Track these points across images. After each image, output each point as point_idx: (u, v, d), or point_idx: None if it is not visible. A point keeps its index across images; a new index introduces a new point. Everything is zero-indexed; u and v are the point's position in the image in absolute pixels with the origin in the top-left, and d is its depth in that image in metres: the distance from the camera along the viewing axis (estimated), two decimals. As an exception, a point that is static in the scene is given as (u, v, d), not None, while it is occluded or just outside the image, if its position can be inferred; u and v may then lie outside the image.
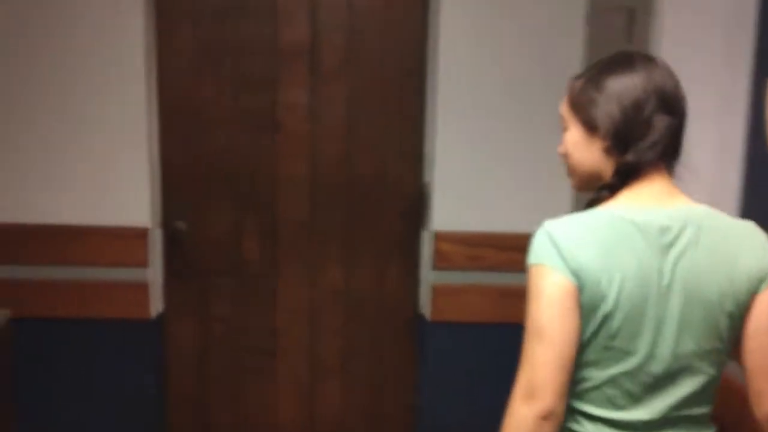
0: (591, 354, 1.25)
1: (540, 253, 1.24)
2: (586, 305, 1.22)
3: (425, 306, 2.75)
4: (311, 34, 2.65)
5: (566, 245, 1.22)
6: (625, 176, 1.28)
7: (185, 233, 2.69)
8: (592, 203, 1.32)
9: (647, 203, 1.26)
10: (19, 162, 2.54)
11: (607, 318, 1.22)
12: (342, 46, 2.66)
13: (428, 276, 2.71)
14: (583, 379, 1.27)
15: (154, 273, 2.64)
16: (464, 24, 2.58)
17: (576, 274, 1.21)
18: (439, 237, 2.66)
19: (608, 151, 1.29)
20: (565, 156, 1.37)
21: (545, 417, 1.19)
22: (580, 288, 1.21)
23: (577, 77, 1.35)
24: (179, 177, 2.68)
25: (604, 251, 1.22)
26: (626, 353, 1.24)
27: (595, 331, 1.23)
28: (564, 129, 1.37)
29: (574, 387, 1.26)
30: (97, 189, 2.57)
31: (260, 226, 2.73)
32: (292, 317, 2.79)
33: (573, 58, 2.53)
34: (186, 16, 2.61)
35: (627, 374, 1.25)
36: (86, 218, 2.58)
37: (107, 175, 2.56)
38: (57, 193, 2.57)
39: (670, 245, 1.23)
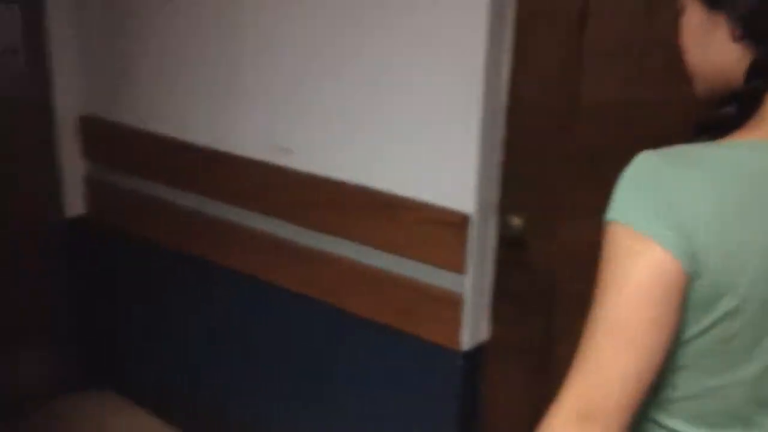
0: (691, 357, 0.86)
1: (633, 210, 0.81)
2: (701, 298, 0.82)
3: None
4: None
5: (680, 203, 0.79)
6: (765, 82, 0.83)
7: (522, 232, 1.80)
8: (707, 127, 0.87)
9: None
10: (325, 113, 1.98)
11: (728, 315, 0.82)
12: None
13: None
14: (672, 386, 0.89)
15: (473, 285, 1.81)
16: None
17: (691, 255, 0.79)
18: None
19: (739, 39, 0.85)
20: (681, 50, 0.94)
21: None
22: (695, 275, 0.80)
23: None
24: (527, 153, 1.80)
25: (740, 217, 0.79)
26: (742, 360, 0.86)
27: (705, 329, 0.84)
28: (679, 10, 0.93)
29: (655, 393, 0.89)
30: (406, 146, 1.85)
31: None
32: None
33: None
34: None
35: (736, 386, 0.87)
36: (377, 181, 1.90)
37: (424, 132, 1.82)
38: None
39: None
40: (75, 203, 2.73)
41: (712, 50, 0.90)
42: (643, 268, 0.80)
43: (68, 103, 2.62)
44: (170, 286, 2.53)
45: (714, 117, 0.88)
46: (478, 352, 1.86)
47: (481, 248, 1.78)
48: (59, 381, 2.88)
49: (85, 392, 2.89)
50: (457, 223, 1.75)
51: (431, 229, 1.79)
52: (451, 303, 1.80)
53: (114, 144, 2.60)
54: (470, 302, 1.79)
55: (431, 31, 1.72)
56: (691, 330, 0.85)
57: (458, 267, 1.78)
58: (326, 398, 2.16)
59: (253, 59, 2.09)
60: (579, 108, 1.67)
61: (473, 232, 1.75)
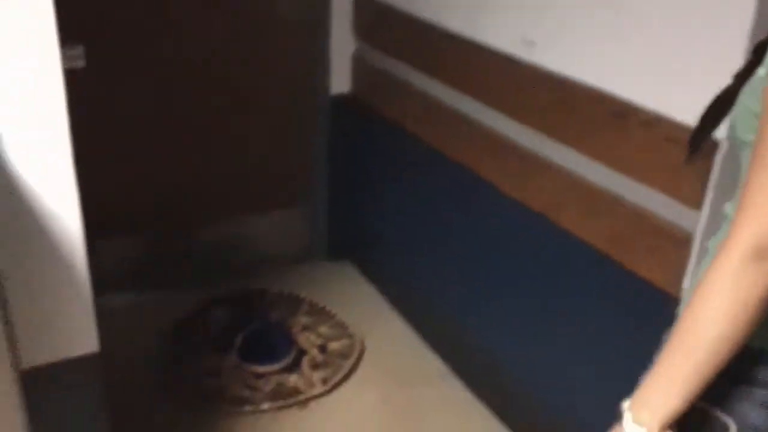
0: None
1: None
2: None
3: None
4: None
5: None
6: None
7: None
8: None
9: None
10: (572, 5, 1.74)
11: None
12: None
13: None
14: None
15: (707, 225, 1.51)
16: None
17: None
18: None
19: None
20: None
21: None
22: None
23: None
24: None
25: None
26: None
27: None
28: None
29: None
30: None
31: None
32: None
33: None
34: None
35: None
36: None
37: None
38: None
39: None
40: (341, 81, 2.82)
41: None
42: None
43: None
44: (412, 172, 2.53)
45: None
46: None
47: (723, 182, 1.48)
48: (305, 247, 3.09)
49: (327, 261, 3.07)
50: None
51: (669, 150, 1.52)
52: (678, 241, 1.54)
53: (381, 25, 2.60)
54: (700, 244, 1.52)
55: None
56: None
57: (693, 200, 1.50)
58: (526, 307, 2.05)
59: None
60: None
61: (718, 162, 1.45)
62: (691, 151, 1.15)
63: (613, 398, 1.04)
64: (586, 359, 1.88)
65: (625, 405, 1.01)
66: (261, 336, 2.52)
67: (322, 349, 2.54)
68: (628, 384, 1.02)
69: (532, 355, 2.10)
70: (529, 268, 2.03)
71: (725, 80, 1.34)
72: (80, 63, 1.72)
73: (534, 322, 2.06)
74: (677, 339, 0.96)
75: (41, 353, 1.57)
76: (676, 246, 1.55)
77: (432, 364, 2.53)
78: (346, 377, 2.44)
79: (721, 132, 1.40)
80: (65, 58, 1.38)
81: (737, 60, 1.39)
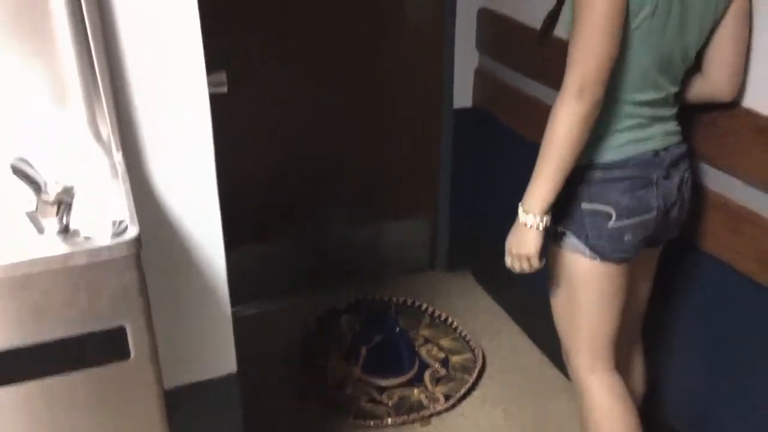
0: (631, 41, 1.45)
1: None
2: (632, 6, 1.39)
3: None
4: None
5: None
6: None
7: None
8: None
9: None
10: None
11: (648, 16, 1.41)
12: None
13: None
14: (619, 69, 1.45)
15: None
16: None
17: None
18: None
19: None
20: None
21: (596, 106, 1.40)
22: None
23: None
24: None
25: None
26: (656, 45, 1.47)
27: (637, 25, 1.42)
28: None
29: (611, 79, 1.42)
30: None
31: None
32: None
33: None
34: None
35: (652, 62, 1.48)
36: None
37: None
38: None
39: None
40: (464, 94, 2.82)
41: None
42: None
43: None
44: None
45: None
46: None
47: None
48: (427, 257, 3.13)
49: (448, 272, 3.10)
50: None
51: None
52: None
53: (503, 39, 2.59)
54: None
55: None
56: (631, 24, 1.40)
57: None
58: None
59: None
60: None
61: None
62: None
63: None
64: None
65: (519, 205, 1.51)
66: (385, 348, 2.57)
67: (445, 363, 2.57)
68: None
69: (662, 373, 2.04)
70: (678, 299, 1.96)
71: None
72: (223, 89, 1.80)
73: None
74: (542, 152, 1.46)
75: (185, 373, 1.66)
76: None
77: (555, 379, 2.51)
78: (468, 392, 2.45)
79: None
80: (210, 84, 1.46)
81: None
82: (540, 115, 2.40)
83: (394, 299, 2.87)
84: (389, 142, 2.90)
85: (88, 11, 1.21)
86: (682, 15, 1.44)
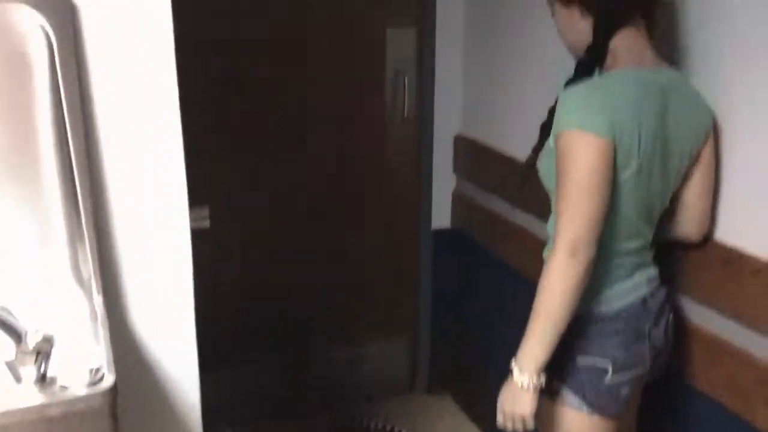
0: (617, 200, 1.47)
1: (585, 118, 1.38)
2: (619, 161, 1.40)
3: None
4: None
5: (608, 107, 1.39)
6: (604, 38, 1.49)
7: None
8: (578, 70, 1.53)
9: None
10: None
11: (634, 173, 1.44)
12: None
13: None
14: (608, 224, 1.45)
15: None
16: None
17: (615, 134, 1.38)
18: None
19: (585, 16, 1.52)
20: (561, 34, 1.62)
21: (589, 265, 1.38)
22: (618, 145, 1.38)
23: None
24: None
25: (634, 109, 1.41)
26: (640, 197, 1.50)
27: (625, 180, 1.43)
28: (552, 13, 1.62)
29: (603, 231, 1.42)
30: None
31: None
32: None
33: None
34: None
35: (638, 213, 1.52)
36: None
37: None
38: None
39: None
40: (442, 215, 2.87)
41: (575, 28, 1.55)
42: (594, 150, 1.37)
43: (446, 122, 2.76)
44: (516, 307, 2.49)
45: (581, 63, 1.53)
46: None
47: None
48: (406, 379, 3.08)
49: (428, 395, 3.05)
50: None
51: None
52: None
53: (478, 163, 2.66)
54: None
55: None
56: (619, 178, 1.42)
57: None
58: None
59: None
60: None
61: None
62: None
63: None
64: None
65: (512, 363, 1.49)
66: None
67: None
68: None
69: None
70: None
71: None
72: (206, 224, 1.81)
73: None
74: (536, 308, 1.43)
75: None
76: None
77: None
78: None
79: None
80: (192, 218, 1.46)
81: None
82: (516, 238, 2.48)
83: (372, 425, 2.80)
84: (370, 264, 2.92)
85: (76, 153, 1.24)
86: (663, 168, 1.47)
